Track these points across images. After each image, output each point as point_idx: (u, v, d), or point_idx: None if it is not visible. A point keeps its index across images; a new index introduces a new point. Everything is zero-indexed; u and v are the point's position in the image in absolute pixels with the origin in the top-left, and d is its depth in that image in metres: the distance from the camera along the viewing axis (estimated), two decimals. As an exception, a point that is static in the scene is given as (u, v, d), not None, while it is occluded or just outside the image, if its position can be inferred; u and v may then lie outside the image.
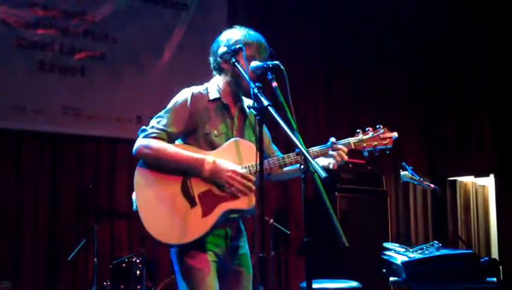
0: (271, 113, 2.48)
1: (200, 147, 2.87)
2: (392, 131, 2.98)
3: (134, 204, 2.81)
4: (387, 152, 2.97)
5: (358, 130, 2.97)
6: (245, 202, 2.78)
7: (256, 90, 2.57)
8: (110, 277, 5.15)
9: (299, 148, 2.37)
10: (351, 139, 2.95)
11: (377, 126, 2.98)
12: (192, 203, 2.77)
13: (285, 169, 3.00)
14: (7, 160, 5.53)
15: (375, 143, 2.94)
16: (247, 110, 3.00)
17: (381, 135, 2.95)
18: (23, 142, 5.63)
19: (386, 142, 2.95)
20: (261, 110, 2.52)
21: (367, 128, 2.97)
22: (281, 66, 2.68)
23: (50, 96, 5.75)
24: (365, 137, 2.95)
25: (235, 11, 6.93)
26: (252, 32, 2.96)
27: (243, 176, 2.75)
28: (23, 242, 5.48)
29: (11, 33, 5.62)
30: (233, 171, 2.75)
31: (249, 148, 2.86)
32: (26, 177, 5.59)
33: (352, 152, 2.97)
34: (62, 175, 5.75)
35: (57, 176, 5.73)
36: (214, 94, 2.95)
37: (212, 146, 2.87)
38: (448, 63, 8.20)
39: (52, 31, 5.82)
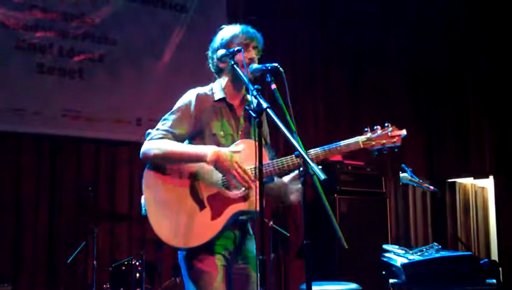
0: (270, 115, 2.48)
1: None
2: (400, 129, 2.95)
3: (143, 208, 2.80)
4: (396, 150, 2.94)
5: (366, 129, 2.92)
6: (254, 204, 2.77)
7: (255, 93, 2.57)
8: (109, 279, 5.15)
9: (298, 150, 2.37)
10: (360, 138, 2.90)
11: (385, 124, 2.94)
12: (201, 206, 2.77)
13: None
14: (7, 162, 5.53)
15: (384, 141, 2.89)
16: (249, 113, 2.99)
17: (389, 133, 2.90)
18: (22, 145, 5.63)
19: (395, 140, 2.90)
20: (259, 112, 2.52)
21: (375, 127, 2.92)
22: (280, 68, 2.68)
23: (49, 99, 5.75)
24: (374, 135, 2.90)
25: (234, 12, 6.94)
26: (239, 26, 2.98)
27: (244, 170, 2.74)
28: (23, 245, 5.48)
29: (10, 35, 5.62)
30: (236, 163, 2.73)
31: (253, 147, 2.85)
32: (26, 179, 5.58)
33: (362, 151, 2.94)
34: (62, 177, 5.74)
35: (57, 179, 5.72)
36: (218, 94, 2.95)
37: (218, 147, 2.85)
38: (448, 64, 8.21)
39: (51, 34, 5.82)
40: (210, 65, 3.05)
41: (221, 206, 2.77)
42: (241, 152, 2.83)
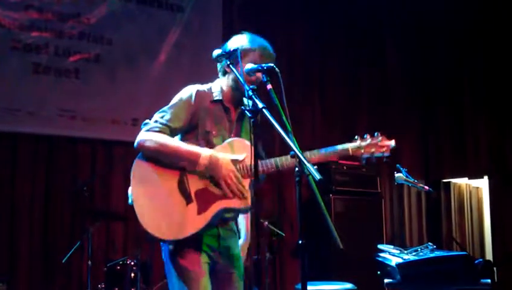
0: (266, 115, 2.49)
1: (199, 144, 2.88)
2: (389, 139, 2.98)
3: (130, 198, 2.81)
4: (385, 160, 2.99)
5: (356, 137, 2.96)
6: (241, 202, 2.81)
7: (251, 93, 2.59)
8: (104, 279, 5.14)
9: (293, 150, 2.38)
10: (349, 145, 2.93)
11: (375, 134, 2.97)
12: (188, 199, 2.78)
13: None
14: (2, 162, 5.52)
15: (373, 150, 2.93)
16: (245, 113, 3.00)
17: (379, 143, 2.94)
18: (18, 145, 5.61)
19: (384, 149, 2.94)
20: (255, 112, 2.53)
21: (365, 135, 2.96)
22: (276, 69, 2.69)
23: (45, 99, 5.74)
24: (363, 144, 2.93)
25: (230, 13, 6.95)
26: (257, 37, 2.99)
27: (238, 179, 2.78)
28: (18, 244, 5.47)
29: (6, 35, 5.60)
30: (232, 172, 2.77)
31: (244, 147, 2.87)
32: (21, 179, 5.57)
33: (351, 158, 3.00)
34: (57, 177, 5.73)
35: (53, 179, 5.71)
36: (216, 96, 2.98)
37: (210, 145, 2.89)
38: (444, 65, 8.23)
39: (47, 34, 5.81)
40: (218, 68, 3.04)
41: (208, 201, 2.79)
42: (234, 151, 2.86)
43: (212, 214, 2.78)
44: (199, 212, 2.77)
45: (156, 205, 2.79)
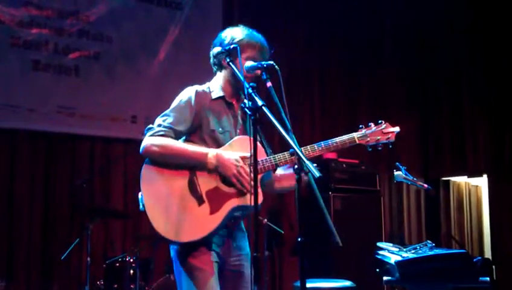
0: (265, 113, 2.49)
1: (206, 144, 2.88)
2: (393, 126, 3.01)
3: (141, 203, 2.79)
4: (390, 146, 3.00)
5: (361, 125, 2.99)
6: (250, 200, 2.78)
7: (250, 90, 2.58)
8: (103, 276, 5.14)
9: (293, 148, 2.38)
10: (355, 134, 2.96)
11: (379, 121, 3.01)
12: (199, 200, 2.77)
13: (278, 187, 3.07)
14: (1, 159, 5.52)
15: (379, 137, 2.96)
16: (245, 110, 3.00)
17: (383, 130, 2.97)
18: (17, 141, 5.62)
19: (389, 136, 2.98)
20: (255, 110, 2.53)
21: (369, 124, 3.00)
22: (276, 66, 2.70)
23: (44, 96, 5.74)
24: (368, 132, 2.96)
25: (229, 10, 6.94)
26: (254, 33, 2.98)
27: (248, 174, 2.77)
28: (17, 241, 5.47)
29: (5, 32, 5.61)
30: (241, 167, 2.76)
31: (248, 143, 2.85)
32: (20, 176, 5.57)
33: (358, 149, 3.01)
34: (57, 174, 5.74)
35: (52, 175, 5.72)
36: (217, 93, 2.97)
37: (217, 143, 2.88)
38: (443, 64, 8.23)
39: (46, 31, 5.81)
40: (211, 63, 3.05)
41: (220, 201, 2.78)
42: (239, 149, 2.85)
43: (225, 214, 2.77)
44: (212, 212, 2.76)
45: (168, 208, 2.76)
